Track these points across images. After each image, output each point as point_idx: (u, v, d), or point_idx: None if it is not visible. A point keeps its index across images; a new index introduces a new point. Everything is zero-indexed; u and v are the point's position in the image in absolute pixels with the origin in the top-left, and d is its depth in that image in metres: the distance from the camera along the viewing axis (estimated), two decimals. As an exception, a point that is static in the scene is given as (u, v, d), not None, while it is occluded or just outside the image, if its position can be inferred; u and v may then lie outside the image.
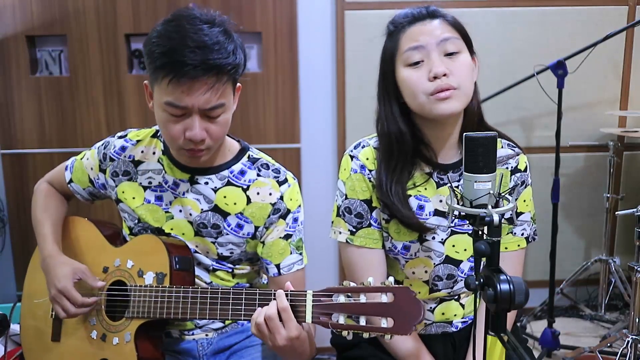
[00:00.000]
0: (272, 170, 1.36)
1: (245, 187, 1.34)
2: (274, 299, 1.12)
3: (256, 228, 1.34)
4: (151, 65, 1.17)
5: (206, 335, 1.41)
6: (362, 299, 1.03)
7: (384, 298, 1.02)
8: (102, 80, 2.72)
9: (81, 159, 1.46)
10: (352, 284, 1.06)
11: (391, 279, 1.04)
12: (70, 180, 1.46)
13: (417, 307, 1.01)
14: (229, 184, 1.33)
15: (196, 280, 1.36)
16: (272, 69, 2.72)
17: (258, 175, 1.34)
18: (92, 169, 1.42)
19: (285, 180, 1.35)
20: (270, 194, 1.33)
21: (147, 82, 1.25)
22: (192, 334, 1.40)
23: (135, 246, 1.35)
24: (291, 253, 1.35)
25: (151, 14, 2.66)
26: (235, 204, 1.33)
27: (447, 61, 1.17)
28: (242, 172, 1.34)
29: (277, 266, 1.34)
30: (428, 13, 1.21)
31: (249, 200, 1.33)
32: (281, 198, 1.33)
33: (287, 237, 1.35)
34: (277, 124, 2.77)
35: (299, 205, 1.37)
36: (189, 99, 1.15)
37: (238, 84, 1.27)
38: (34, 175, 2.79)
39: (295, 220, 1.36)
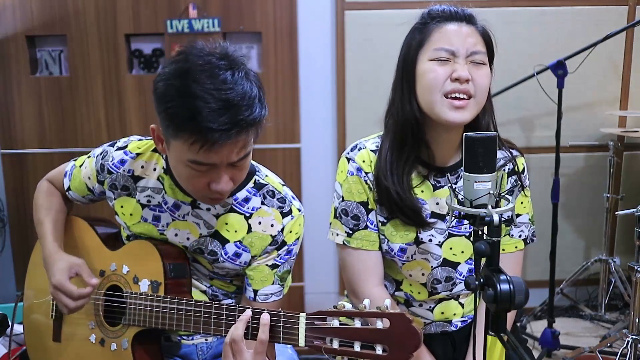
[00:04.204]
0: (278, 199, 1.29)
1: (248, 215, 1.28)
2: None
3: (253, 257, 1.30)
4: (167, 121, 1.08)
5: (206, 340, 1.40)
6: (357, 323, 1.00)
7: (379, 324, 0.98)
8: (102, 80, 2.72)
9: (80, 166, 1.41)
10: (347, 306, 1.02)
11: (387, 302, 0.99)
12: (69, 188, 1.42)
13: (413, 337, 0.96)
14: (231, 210, 1.28)
15: (196, 283, 1.34)
16: (272, 69, 2.72)
17: (262, 203, 1.29)
18: (89, 178, 1.38)
19: (290, 212, 1.29)
20: (272, 225, 1.28)
21: (155, 127, 1.15)
22: (192, 339, 1.39)
23: (131, 251, 1.33)
24: (273, 283, 1.31)
25: (151, 14, 2.66)
26: (235, 231, 1.29)
27: (471, 68, 1.20)
28: (247, 200, 1.29)
29: (255, 292, 1.31)
30: (465, 16, 1.22)
31: (249, 229, 1.28)
32: (282, 230, 1.29)
33: (274, 266, 1.30)
34: (277, 124, 2.77)
35: (297, 238, 1.32)
36: (217, 157, 1.08)
37: None
38: (34, 175, 2.79)
39: (289, 252, 1.31)
